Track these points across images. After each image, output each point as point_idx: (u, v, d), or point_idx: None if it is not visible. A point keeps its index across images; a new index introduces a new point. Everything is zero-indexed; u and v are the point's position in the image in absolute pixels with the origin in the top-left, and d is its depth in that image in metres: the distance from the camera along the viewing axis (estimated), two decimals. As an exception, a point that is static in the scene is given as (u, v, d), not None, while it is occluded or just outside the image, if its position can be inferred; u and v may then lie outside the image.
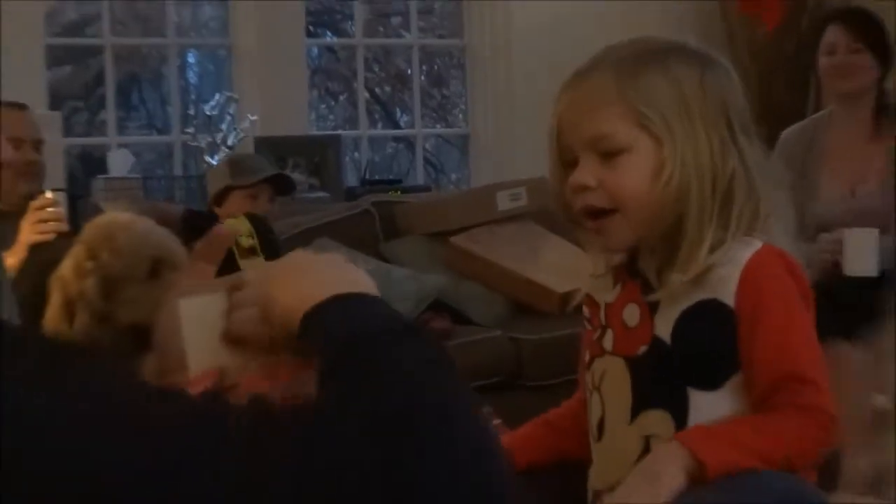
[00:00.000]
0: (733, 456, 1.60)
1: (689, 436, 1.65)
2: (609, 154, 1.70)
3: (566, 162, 1.75)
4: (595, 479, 1.80)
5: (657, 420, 1.71)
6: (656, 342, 1.73)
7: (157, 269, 2.69)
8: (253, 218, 4.44)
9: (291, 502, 0.96)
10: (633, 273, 1.79)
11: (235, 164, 4.82)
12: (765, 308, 1.68)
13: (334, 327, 1.18)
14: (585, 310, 1.87)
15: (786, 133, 4.35)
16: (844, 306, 3.79)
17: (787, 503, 1.59)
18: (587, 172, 1.71)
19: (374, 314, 1.20)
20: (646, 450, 1.71)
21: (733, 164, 1.71)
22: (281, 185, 4.76)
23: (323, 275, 1.27)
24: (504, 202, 5.02)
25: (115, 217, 2.79)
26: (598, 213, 1.73)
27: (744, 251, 1.70)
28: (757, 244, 1.71)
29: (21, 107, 4.15)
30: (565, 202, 1.77)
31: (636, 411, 1.73)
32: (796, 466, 1.66)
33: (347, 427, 1.00)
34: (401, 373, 1.08)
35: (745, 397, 1.69)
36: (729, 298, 1.68)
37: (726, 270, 1.69)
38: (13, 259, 3.53)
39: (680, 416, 1.69)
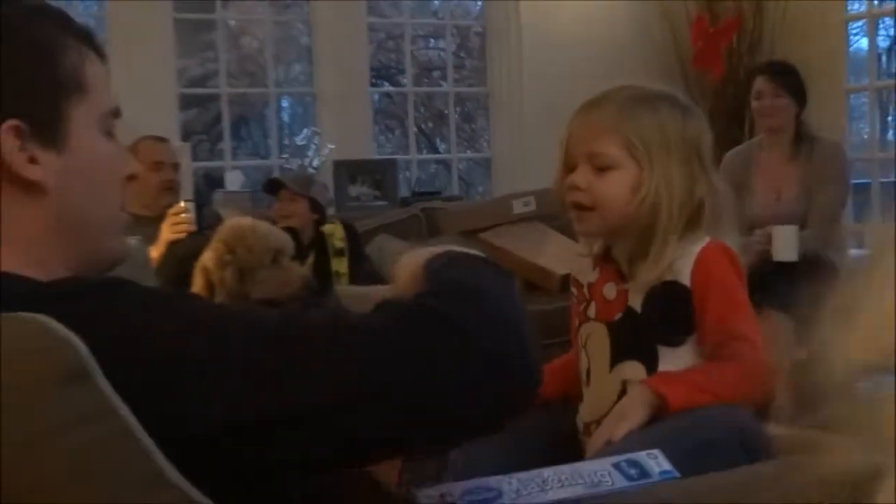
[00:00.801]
0: (689, 394, 1.61)
1: (653, 380, 1.66)
2: (600, 168, 1.71)
3: (568, 167, 1.75)
4: (585, 413, 1.79)
5: (632, 369, 1.71)
6: (629, 311, 1.73)
7: (277, 257, 2.72)
8: (345, 225, 4.43)
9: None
10: (608, 260, 1.80)
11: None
12: (711, 287, 1.68)
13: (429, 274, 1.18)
14: (573, 289, 1.88)
15: (728, 155, 4.36)
16: (773, 283, 3.79)
17: (730, 427, 1.59)
18: (581, 177, 1.72)
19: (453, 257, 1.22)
20: (623, 391, 1.71)
21: (702, 190, 1.71)
22: (271, 187, 4.52)
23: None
24: (518, 207, 5.01)
25: (242, 221, 2.83)
26: (581, 208, 1.73)
27: (696, 245, 1.70)
28: (706, 239, 1.71)
29: (163, 139, 4.19)
30: (561, 195, 1.77)
31: (614, 363, 1.74)
32: (739, 404, 1.66)
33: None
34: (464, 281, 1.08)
35: (702, 352, 1.70)
36: (685, 279, 1.68)
37: (683, 260, 1.69)
38: (156, 253, 3.56)
39: (651, 366, 1.69)
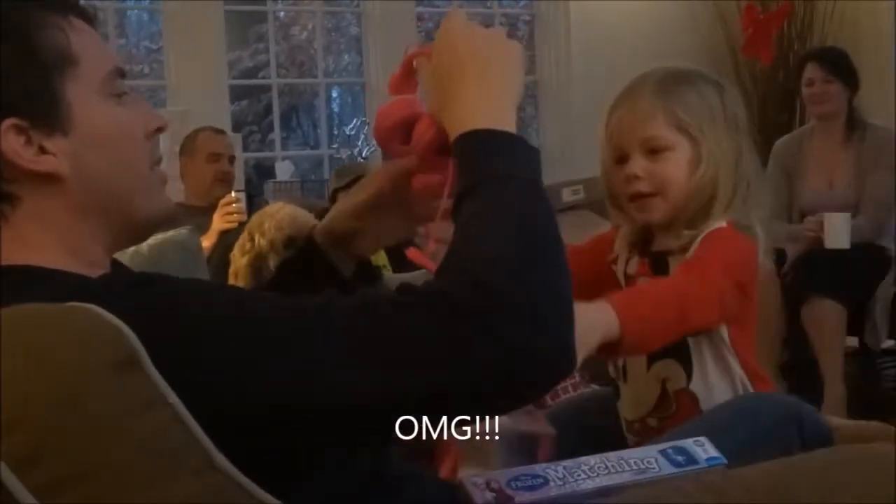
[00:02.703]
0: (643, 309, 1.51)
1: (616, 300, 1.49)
2: (655, 151, 1.65)
3: (617, 159, 1.70)
4: (625, 411, 1.75)
5: (669, 367, 1.66)
6: None
7: (294, 243, 2.67)
8: None
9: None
10: (644, 253, 1.74)
11: (339, 171, 4.77)
12: (703, 245, 1.63)
13: (471, 161, 1.13)
14: (613, 266, 1.79)
15: (779, 142, 4.32)
16: (825, 271, 3.75)
17: (789, 415, 1.55)
18: (637, 166, 1.66)
19: (506, 155, 1.14)
20: (663, 390, 1.66)
21: (746, 164, 1.67)
22: None
23: (479, 94, 1.17)
24: (567, 195, 4.98)
25: (269, 208, 2.81)
26: (642, 196, 1.67)
27: (716, 224, 1.64)
28: (722, 222, 1.65)
29: (221, 131, 4.22)
30: (613, 189, 1.72)
31: (651, 361, 1.68)
32: (689, 315, 1.56)
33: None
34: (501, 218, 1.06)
35: (737, 344, 1.65)
36: None
37: (698, 239, 1.64)
38: (207, 242, 3.60)
39: (686, 362, 1.64)
